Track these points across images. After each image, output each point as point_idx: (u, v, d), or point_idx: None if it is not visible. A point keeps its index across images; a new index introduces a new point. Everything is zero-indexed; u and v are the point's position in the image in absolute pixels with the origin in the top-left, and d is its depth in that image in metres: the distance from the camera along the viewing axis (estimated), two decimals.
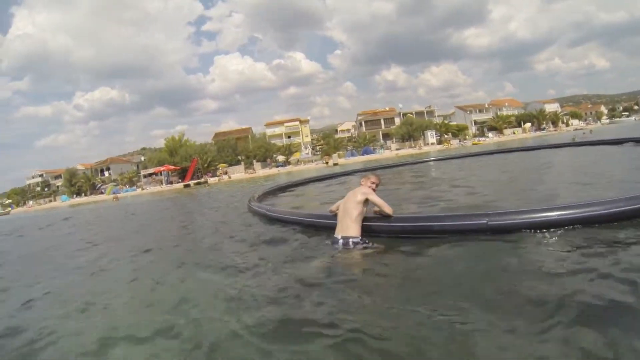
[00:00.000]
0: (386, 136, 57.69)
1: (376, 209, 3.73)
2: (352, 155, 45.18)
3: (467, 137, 53.57)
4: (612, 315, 1.85)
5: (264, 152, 48.68)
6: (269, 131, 61.06)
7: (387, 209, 3.67)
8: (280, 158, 47.31)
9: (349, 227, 3.52)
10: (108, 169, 61.38)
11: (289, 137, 59.26)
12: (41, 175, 67.62)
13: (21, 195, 60.87)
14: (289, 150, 50.13)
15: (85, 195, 47.70)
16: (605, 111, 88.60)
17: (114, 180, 51.39)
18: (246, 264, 3.58)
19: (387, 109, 66.93)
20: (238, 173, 41.66)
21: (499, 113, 62.00)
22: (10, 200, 56.92)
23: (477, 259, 2.88)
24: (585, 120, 74.38)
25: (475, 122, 63.77)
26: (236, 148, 50.24)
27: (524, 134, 52.57)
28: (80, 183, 50.56)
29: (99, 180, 54.36)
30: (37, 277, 4.62)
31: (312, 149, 57.28)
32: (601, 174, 6.63)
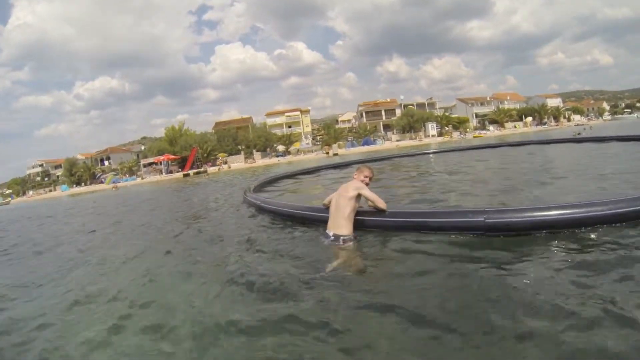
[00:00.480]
0: (387, 127, 57.36)
1: (370, 202, 3.66)
2: (353, 145, 44.98)
3: (468, 129, 53.34)
4: (612, 319, 1.80)
5: (264, 142, 48.52)
6: (270, 121, 60.74)
7: (381, 204, 3.59)
8: (280, 148, 47.17)
9: (341, 225, 3.44)
10: (108, 158, 61.29)
11: (290, 127, 58.95)
12: (41, 165, 67.46)
13: (21, 185, 60.80)
14: (289, 140, 49.94)
15: (85, 184, 47.69)
16: (608, 107, 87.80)
17: (114, 170, 51.34)
18: (236, 257, 3.52)
19: (389, 100, 66.52)
20: (238, 162, 41.58)
21: (500, 106, 61.53)
22: (11, 191, 56.93)
23: (470, 259, 2.81)
24: (587, 116, 73.78)
25: (477, 115, 63.37)
26: (236, 137, 50.03)
27: (525, 128, 52.27)
28: (80, 173, 50.51)
29: (99, 170, 54.30)
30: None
31: (313, 139, 57.06)
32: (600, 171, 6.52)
